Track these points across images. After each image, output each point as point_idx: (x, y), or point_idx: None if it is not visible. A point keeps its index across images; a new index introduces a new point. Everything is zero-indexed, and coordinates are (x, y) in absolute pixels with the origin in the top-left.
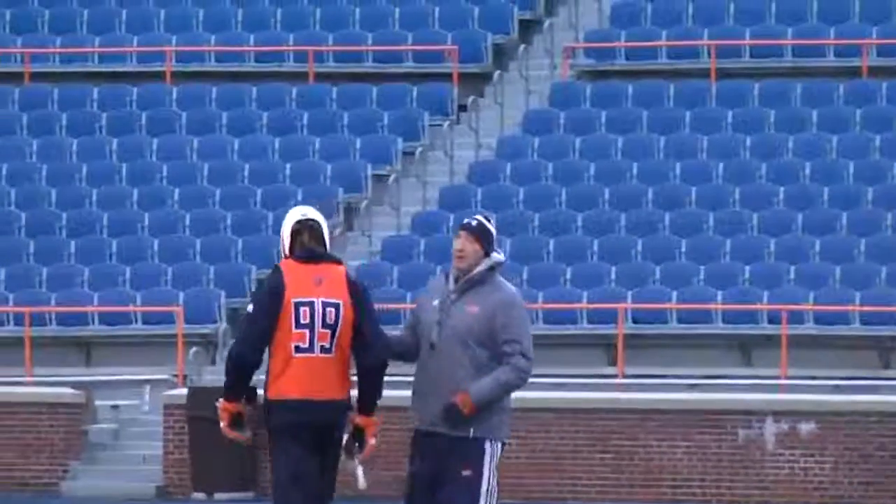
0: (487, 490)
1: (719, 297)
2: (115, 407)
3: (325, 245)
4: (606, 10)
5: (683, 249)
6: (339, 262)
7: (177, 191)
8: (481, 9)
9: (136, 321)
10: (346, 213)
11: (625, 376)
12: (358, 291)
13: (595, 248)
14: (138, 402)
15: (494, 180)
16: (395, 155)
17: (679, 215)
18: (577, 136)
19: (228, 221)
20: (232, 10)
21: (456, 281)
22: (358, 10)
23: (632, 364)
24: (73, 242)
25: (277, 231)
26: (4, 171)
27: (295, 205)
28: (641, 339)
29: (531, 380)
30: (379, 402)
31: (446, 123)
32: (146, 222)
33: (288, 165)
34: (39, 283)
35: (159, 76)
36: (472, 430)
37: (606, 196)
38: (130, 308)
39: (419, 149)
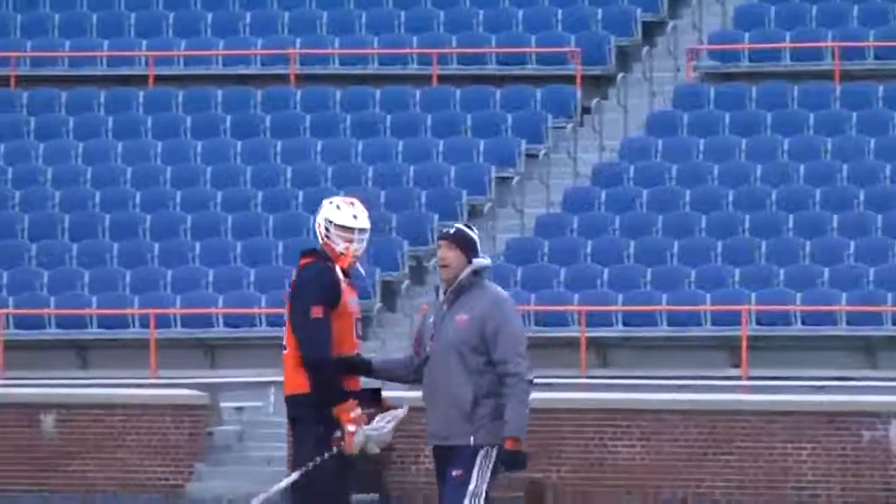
0: (474, 490)
1: (843, 299)
2: (239, 409)
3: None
4: (730, 12)
5: (807, 251)
6: (308, 255)
7: (301, 193)
8: (604, 11)
9: (261, 323)
10: (470, 216)
11: (749, 378)
12: (294, 285)
13: (719, 249)
14: (263, 404)
15: (618, 182)
16: (519, 157)
17: (803, 217)
18: (701, 138)
19: None
20: (356, 12)
21: (445, 293)
22: (481, 13)
23: (756, 366)
24: (197, 245)
25: (403, 233)
26: (129, 175)
27: (419, 207)
28: (766, 340)
29: (656, 382)
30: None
31: (569, 126)
32: (270, 224)
33: (412, 168)
34: (164, 286)
35: (283, 79)
36: (472, 438)
37: (730, 198)
38: (255, 310)
39: (543, 151)
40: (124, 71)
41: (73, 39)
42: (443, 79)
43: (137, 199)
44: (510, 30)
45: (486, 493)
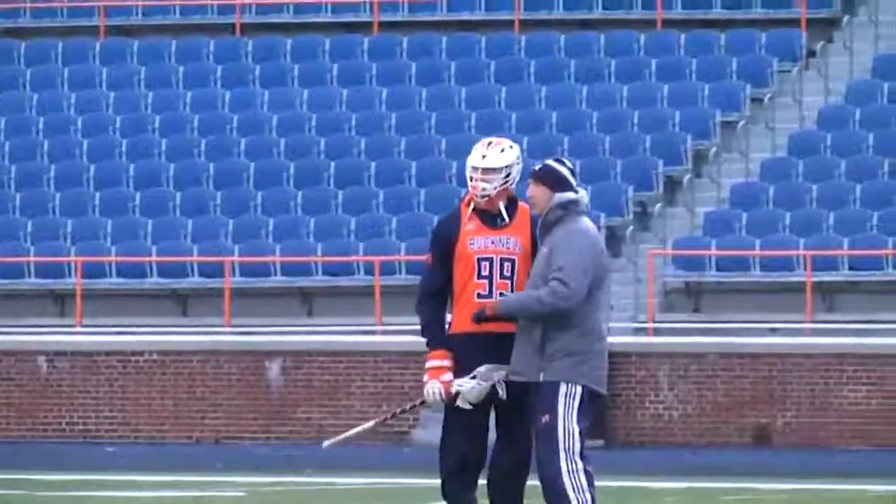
0: (565, 431)
1: None
2: None
3: None
4: None
5: None
6: None
7: (525, 139)
8: None
9: None
10: (695, 161)
11: None
12: None
13: None
14: None
15: (844, 126)
16: (744, 101)
17: None
18: None
19: (577, 169)
20: None
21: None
22: None
23: None
24: (422, 191)
25: (627, 178)
26: (353, 120)
27: (643, 152)
28: None
29: (883, 326)
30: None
31: (795, 69)
32: None
33: (636, 113)
34: (389, 233)
35: (508, 24)
36: (541, 374)
37: None
38: None
39: (768, 95)
40: (350, 18)
41: None
42: (667, 23)
43: (362, 146)
44: None
45: (582, 431)
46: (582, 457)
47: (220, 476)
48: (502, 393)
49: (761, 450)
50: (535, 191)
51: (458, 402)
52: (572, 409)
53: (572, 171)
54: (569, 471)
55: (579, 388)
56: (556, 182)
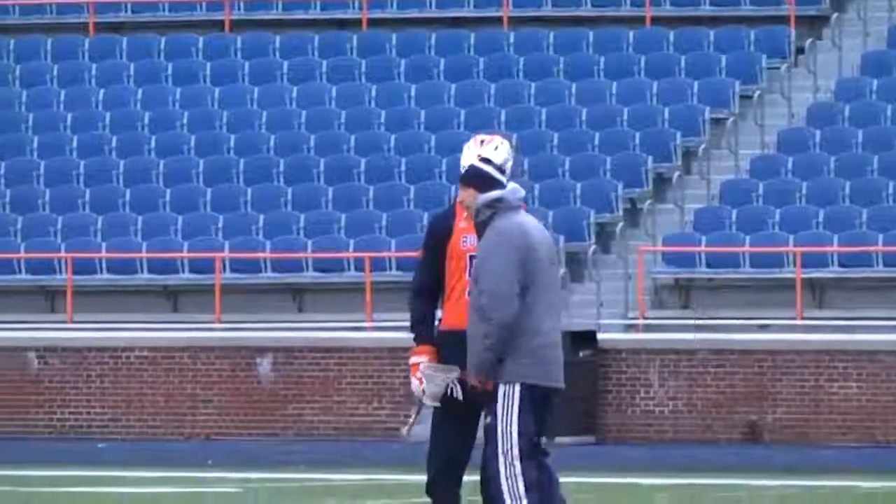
0: (503, 433)
1: None
2: None
3: None
4: None
5: None
6: None
7: (514, 136)
8: None
9: None
10: (684, 158)
11: None
12: None
13: None
14: None
15: (833, 123)
16: (733, 98)
17: None
18: None
19: (567, 166)
20: None
21: None
22: None
23: None
24: (411, 188)
25: (617, 175)
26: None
27: (633, 149)
28: None
29: (872, 323)
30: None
31: (784, 66)
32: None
33: (626, 110)
34: (379, 229)
35: (497, 21)
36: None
37: None
38: None
39: (757, 92)
40: (339, 14)
41: None
42: (657, 20)
43: (352, 143)
44: None
45: (523, 433)
46: (526, 457)
47: (212, 472)
48: (457, 394)
49: (752, 446)
50: (465, 195)
51: (424, 400)
52: (511, 410)
53: (500, 168)
54: (506, 475)
55: (517, 387)
56: (482, 182)
